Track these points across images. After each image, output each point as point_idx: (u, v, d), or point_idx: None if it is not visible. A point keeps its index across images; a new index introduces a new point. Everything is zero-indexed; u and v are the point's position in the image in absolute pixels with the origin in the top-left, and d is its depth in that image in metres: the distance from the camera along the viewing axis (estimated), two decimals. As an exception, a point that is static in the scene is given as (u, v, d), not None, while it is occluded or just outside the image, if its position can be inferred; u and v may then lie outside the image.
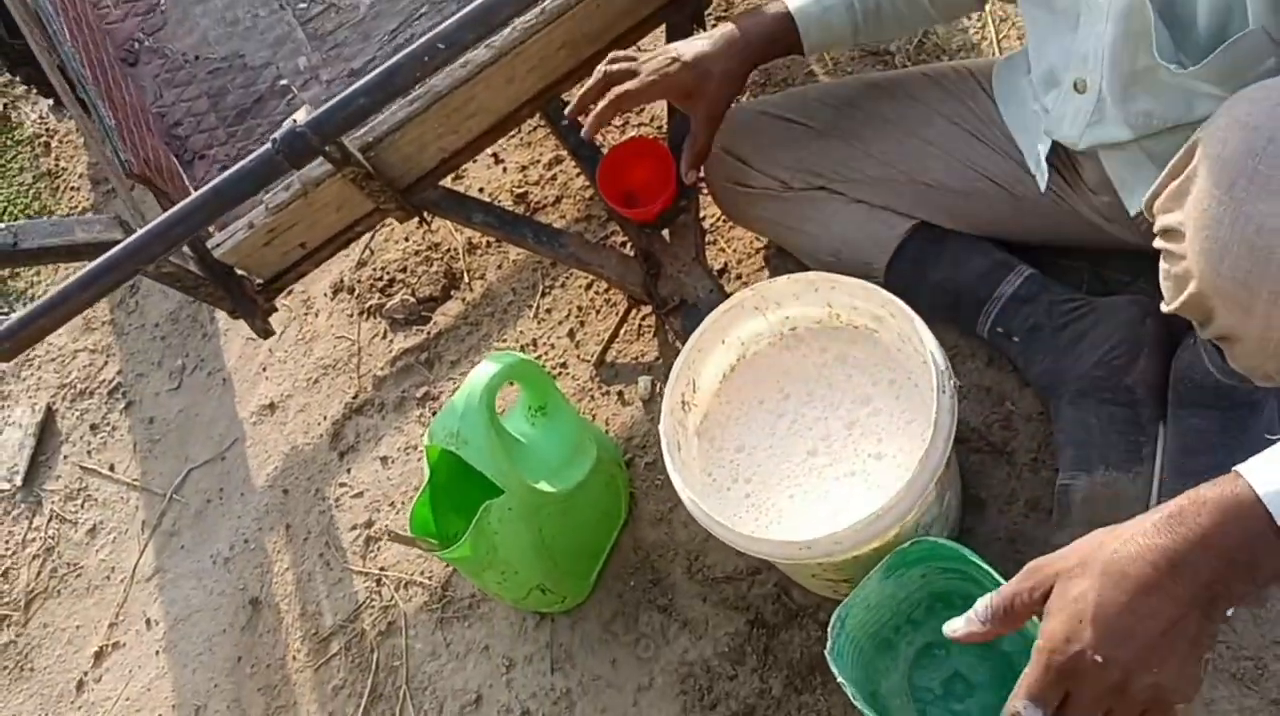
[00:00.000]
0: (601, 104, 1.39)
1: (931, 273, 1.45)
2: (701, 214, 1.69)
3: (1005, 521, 1.38)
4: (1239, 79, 1.00)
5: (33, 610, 1.99)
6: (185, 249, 1.61)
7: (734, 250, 1.78)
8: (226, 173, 1.41)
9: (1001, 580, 1.09)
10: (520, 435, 1.49)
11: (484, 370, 1.40)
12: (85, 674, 1.91)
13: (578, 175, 1.96)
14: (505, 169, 2.03)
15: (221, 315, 2.06)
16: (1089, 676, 0.79)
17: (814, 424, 1.29)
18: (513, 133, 2.01)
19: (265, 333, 1.74)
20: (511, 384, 1.55)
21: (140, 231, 1.41)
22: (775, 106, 1.54)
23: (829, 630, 1.19)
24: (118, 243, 1.58)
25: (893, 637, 1.34)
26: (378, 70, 1.38)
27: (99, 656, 1.91)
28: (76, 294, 1.41)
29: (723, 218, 1.76)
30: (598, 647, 1.57)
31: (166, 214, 1.41)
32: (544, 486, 1.44)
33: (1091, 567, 0.80)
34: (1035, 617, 0.86)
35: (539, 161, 2.01)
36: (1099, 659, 0.77)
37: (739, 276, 1.75)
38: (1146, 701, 0.78)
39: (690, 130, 1.45)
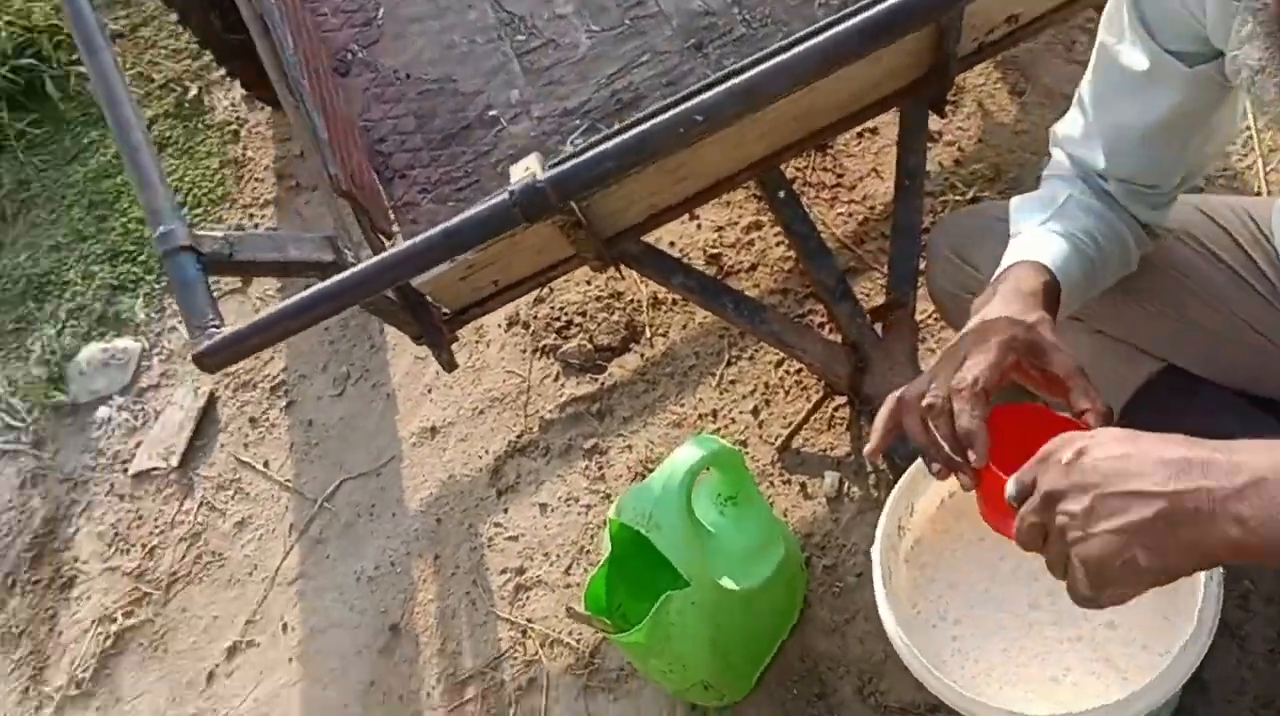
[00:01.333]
0: (966, 420, 1.01)
1: (1175, 425, 1.36)
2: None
3: (1230, 713, 1.28)
4: None
5: (173, 592, 2.00)
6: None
7: (937, 350, 1.70)
8: (459, 218, 1.39)
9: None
10: (709, 524, 1.44)
11: (687, 454, 1.35)
12: (217, 666, 1.91)
13: (777, 244, 1.90)
14: (700, 226, 1.99)
15: (391, 330, 2.06)
16: (1068, 488, 0.83)
17: (1040, 574, 1.21)
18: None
19: (450, 365, 1.71)
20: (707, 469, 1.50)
21: (364, 266, 1.39)
22: (1004, 210, 1.46)
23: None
24: (327, 263, 1.57)
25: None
26: (629, 135, 1.34)
27: (232, 651, 1.91)
28: (291, 318, 1.40)
29: (935, 316, 1.68)
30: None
31: (394, 252, 1.39)
32: (728, 582, 1.39)
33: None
34: None
35: (736, 223, 1.96)
36: (1082, 479, 0.82)
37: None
38: (1099, 550, 0.81)
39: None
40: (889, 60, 1.57)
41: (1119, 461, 0.83)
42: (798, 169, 1.98)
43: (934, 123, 1.94)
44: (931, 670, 1.12)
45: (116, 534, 2.10)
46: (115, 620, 2.00)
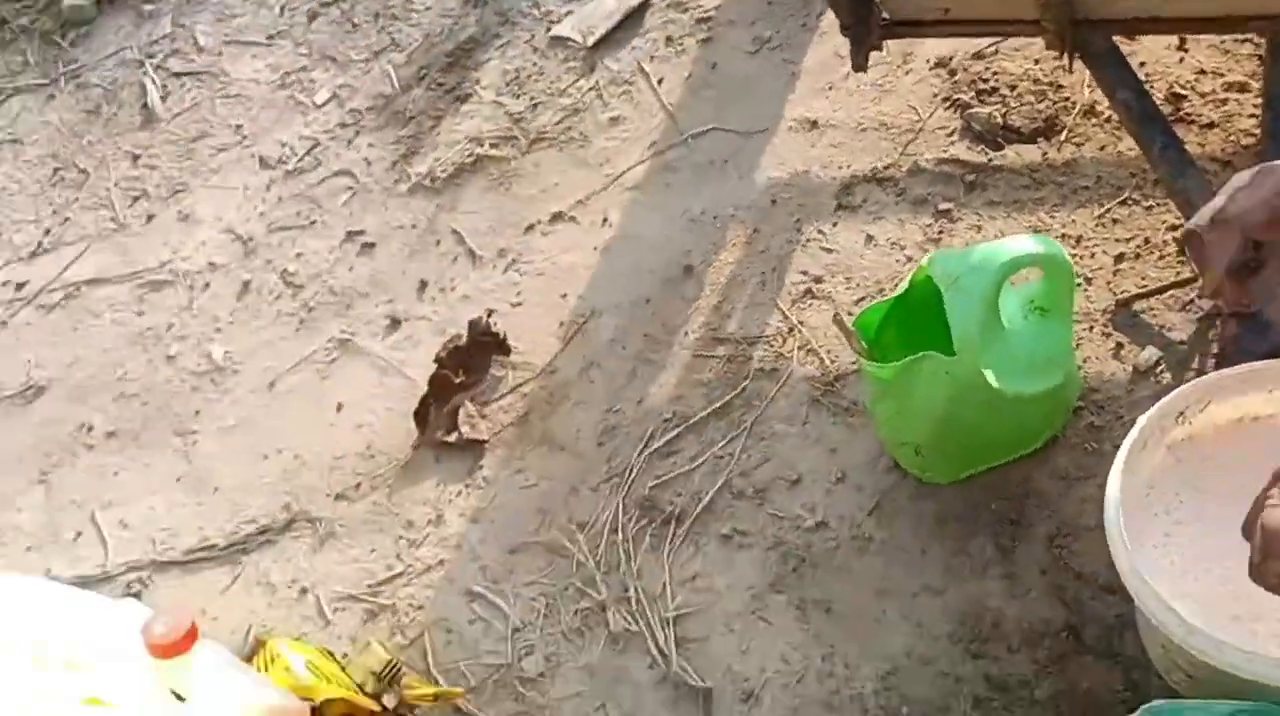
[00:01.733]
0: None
1: None
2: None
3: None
4: None
5: (535, 148, 2.20)
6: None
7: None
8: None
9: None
10: (1006, 319, 1.42)
11: (1023, 244, 1.32)
12: (539, 222, 2.11)
13: (1250, 115, 1.71)
14: (1182, 60, 1.80)
15: (827, 22, 2.05)
16: None
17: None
18: (1220, 38, 1.77)
19: (860, 66, 1.71)
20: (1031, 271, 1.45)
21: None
22: None
23: None
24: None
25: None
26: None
27: (556, 218, 2.10)
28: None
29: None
30: (919, 530, 1.55)
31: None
32: (991, 378, 1.38)
33: None
34: None
35: (1221, 75, 1.77)
36: None
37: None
38: None
39: None
40: None
41: None
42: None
43: None
44: (1125, 544, 1.10)
45: (516, 78, 2.30)
46: (483, 145, 2.23)
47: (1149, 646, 1.31)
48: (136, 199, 2.46)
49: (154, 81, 2.58)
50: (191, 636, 1.27)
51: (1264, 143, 1.51)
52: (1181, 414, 1.20)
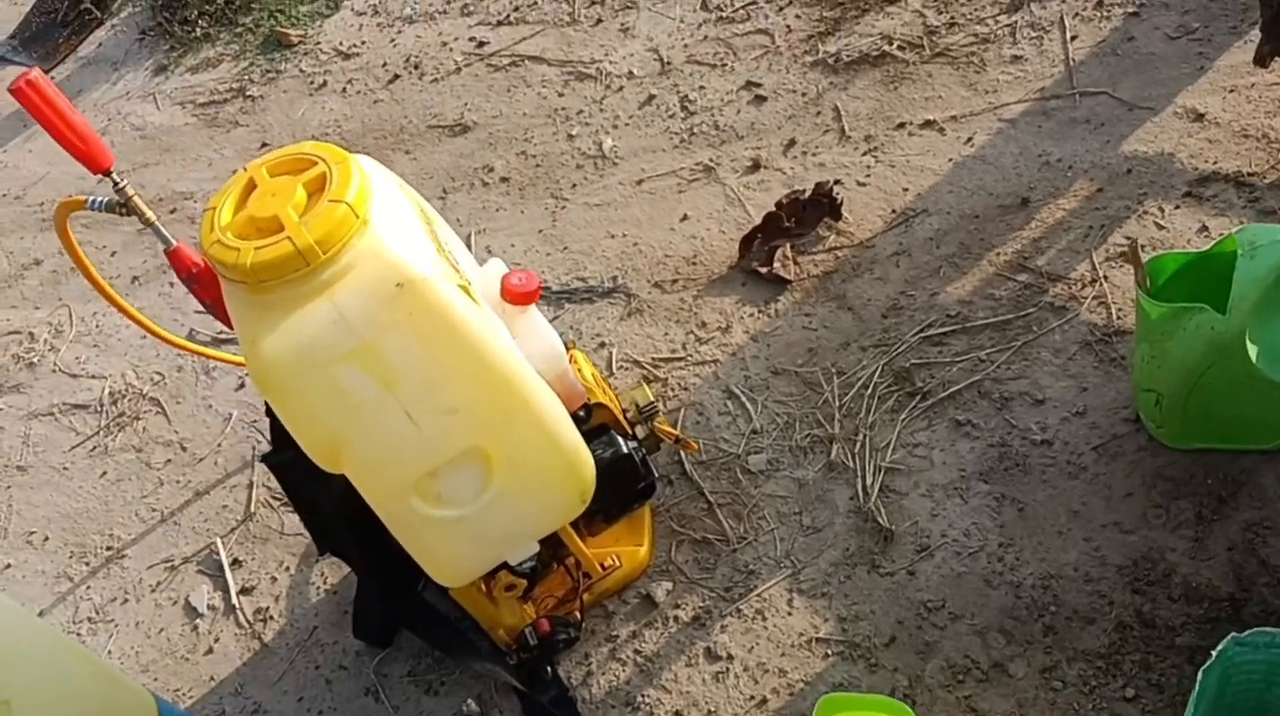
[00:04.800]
0: None
1: None
2: None
3: None
4: None
5: (934, 59, 2.39)
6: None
7: None
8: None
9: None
10: (1293, 309, 1.50)
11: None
12: (910, 122, 2.32)
13: None
14: None
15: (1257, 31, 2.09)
16: None
17: None
18: None
19: (1261, 60, 1.78)
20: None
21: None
22: None
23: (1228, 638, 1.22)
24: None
25: None
26: None
27: (926, 124, 2.30)
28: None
29: None
30: (1132, 476, 1.68)
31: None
32: (1253, 350, 1.48)
33: None
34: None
35: None
36: None
37: None
38: None
39: None
40: None
41: None
42: None
43: None
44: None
45: (946, -2, 2.49)
46: (891, 43, 2.45)
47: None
48: (593, 3, 2.89)
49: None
50: (536, 293, 1.63)
51: None
52: None
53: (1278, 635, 1.21)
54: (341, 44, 3.11)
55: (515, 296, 1.59)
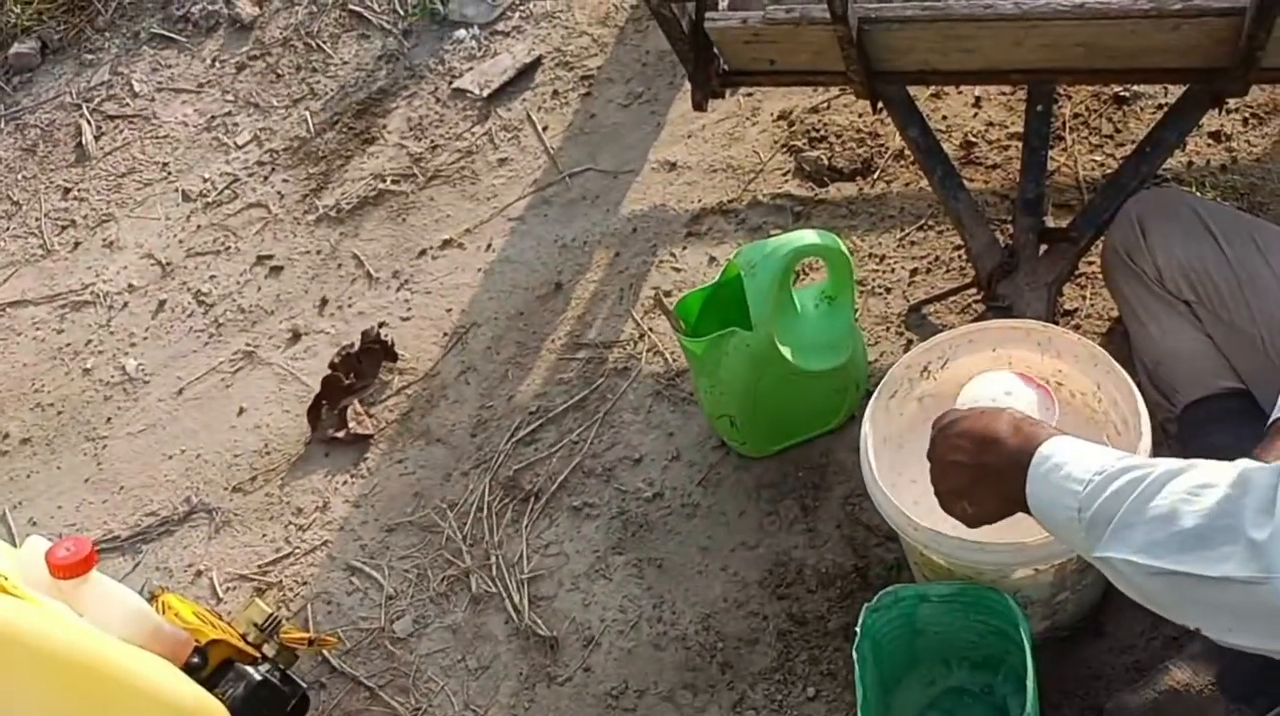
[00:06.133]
0: None
1: (1209, 438, 1.45)
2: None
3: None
4: None
5: (431, 183, 2.46)
6: (689, 7, 1.87)
7: (1091, 306, 1.81)
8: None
9: (1032, 678, 1.19)
10: (800, 305, 1.68)
11: (808, 237, 1.59)
12: (430, 247, 2.36)
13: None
14: (976, 115, 2.13)
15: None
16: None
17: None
18: (1004, 90, 2.10)
19: (698, 105, 1.99)
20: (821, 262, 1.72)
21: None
22: (1205, 209, 1.54)
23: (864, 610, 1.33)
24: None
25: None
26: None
27: (446, 244, 2.35)
28: None
29: (1098, 271, 1.79)
30: (738, 496, 1.79)
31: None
32: (785, 352, 1.64)
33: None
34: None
35: (1006, 127, 2.09)
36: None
37: (1077, 327, 1.79)
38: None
39: None
40: (1186, 35, 1.63)
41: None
42: (1087, 108, 2.07)
43: (1223, 124, 1.97)
44: (873, 466, 1.34)
45: (420, 124, 2.57)
46: (385, 180, 2.49)
47: (913, 570, 1.55)
48: (65, 228, 2.67)
49: (89, 123, 2.81)
50: (90, 560, 1.45)
51: (1021, 174, 1.81)
52: (925, 369, 1.46)
53: (899, 590, 1.34)
54: None
55: (65, 570, 1.41)
